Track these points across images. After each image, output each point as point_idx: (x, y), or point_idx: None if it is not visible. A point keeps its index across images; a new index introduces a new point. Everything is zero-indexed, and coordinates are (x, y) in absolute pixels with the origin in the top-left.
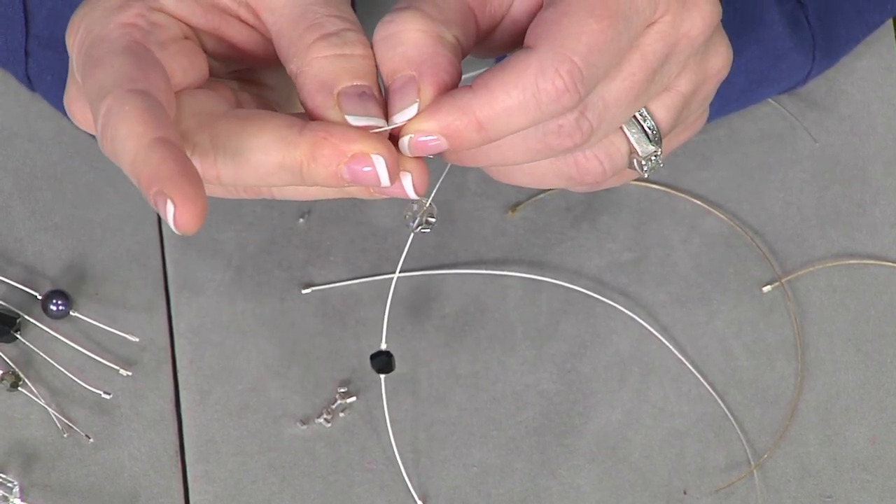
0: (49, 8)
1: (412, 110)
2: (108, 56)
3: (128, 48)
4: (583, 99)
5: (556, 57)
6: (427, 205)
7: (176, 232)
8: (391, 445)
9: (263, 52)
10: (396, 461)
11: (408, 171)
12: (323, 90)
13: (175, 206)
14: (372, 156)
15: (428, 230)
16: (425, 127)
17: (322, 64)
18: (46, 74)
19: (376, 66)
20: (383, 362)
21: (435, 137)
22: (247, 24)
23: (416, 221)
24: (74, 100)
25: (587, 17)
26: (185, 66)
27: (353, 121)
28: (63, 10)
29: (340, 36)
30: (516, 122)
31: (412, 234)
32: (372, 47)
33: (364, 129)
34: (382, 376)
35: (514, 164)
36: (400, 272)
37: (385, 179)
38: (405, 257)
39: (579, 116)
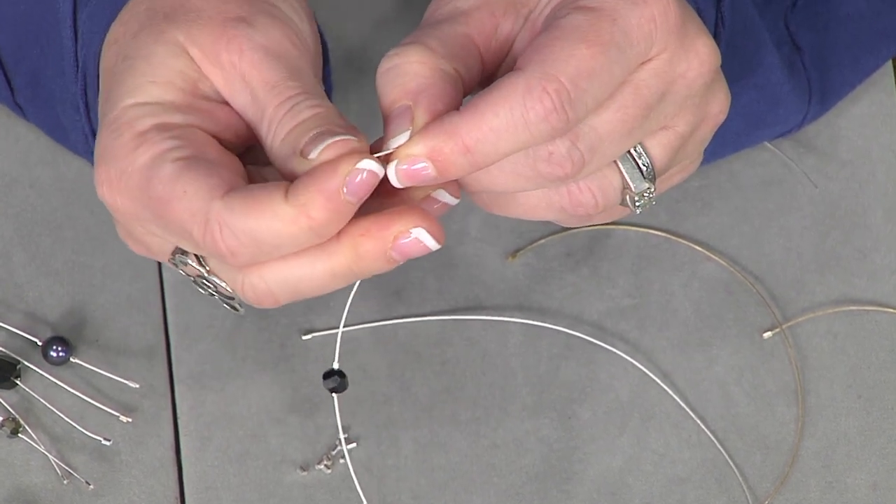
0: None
1: (404, 137)
2: (170, 183)
3: (183, 167)
4: (571, 123)
5: (544, 76)
6: None
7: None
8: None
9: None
10: None
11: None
12: (291, 160)
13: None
14: (411, 230)
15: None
16: (412, 151)
17: (281, 146)
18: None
19: (337, 113)
20: (336, 382)
21: (424, 164)
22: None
23: None
24: (128, 238)
25: (578, 42)
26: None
27: (315, 154)
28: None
29: (293, 113)
30: (504, 144)
31: (356, 286)
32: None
33: (394, 212)
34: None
35: (504, 192)
36: (403, 319)
37: (433, 244)
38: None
39: (571, 146)
